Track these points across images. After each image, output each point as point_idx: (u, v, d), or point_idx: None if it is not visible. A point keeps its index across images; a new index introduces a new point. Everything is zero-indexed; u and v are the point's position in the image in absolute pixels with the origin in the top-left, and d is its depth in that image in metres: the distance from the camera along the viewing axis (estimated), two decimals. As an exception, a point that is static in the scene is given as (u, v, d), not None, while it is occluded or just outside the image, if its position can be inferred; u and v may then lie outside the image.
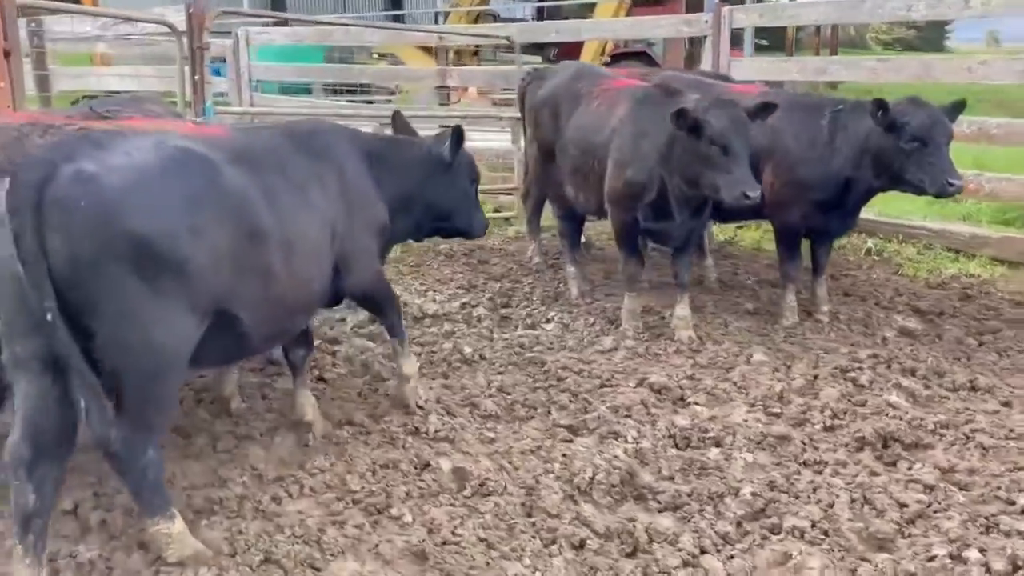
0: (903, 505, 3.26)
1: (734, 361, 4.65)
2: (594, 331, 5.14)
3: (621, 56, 15.05)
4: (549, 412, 4.10)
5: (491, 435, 3.85)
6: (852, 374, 4.41)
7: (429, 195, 4.11)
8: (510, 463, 3.61)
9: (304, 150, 3.49)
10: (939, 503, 3.26)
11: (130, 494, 2.86)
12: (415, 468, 3.53)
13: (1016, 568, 2.83)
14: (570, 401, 4.18)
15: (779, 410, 4.06)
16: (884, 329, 5.06)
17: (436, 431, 3.82)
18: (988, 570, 2.84)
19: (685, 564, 2.94)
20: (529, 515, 3.23)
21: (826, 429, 3.90)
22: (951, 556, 2.91)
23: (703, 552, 3.02)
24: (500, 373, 4.54)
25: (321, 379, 4.38)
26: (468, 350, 4.83)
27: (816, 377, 4.39)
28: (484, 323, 5.33)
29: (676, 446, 3.79)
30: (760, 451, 3.70)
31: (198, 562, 2.80)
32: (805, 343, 4.90)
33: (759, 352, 4.71)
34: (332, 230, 3.46)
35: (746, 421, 3.95)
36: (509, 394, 4.25)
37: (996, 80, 6.52)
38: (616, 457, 3.61)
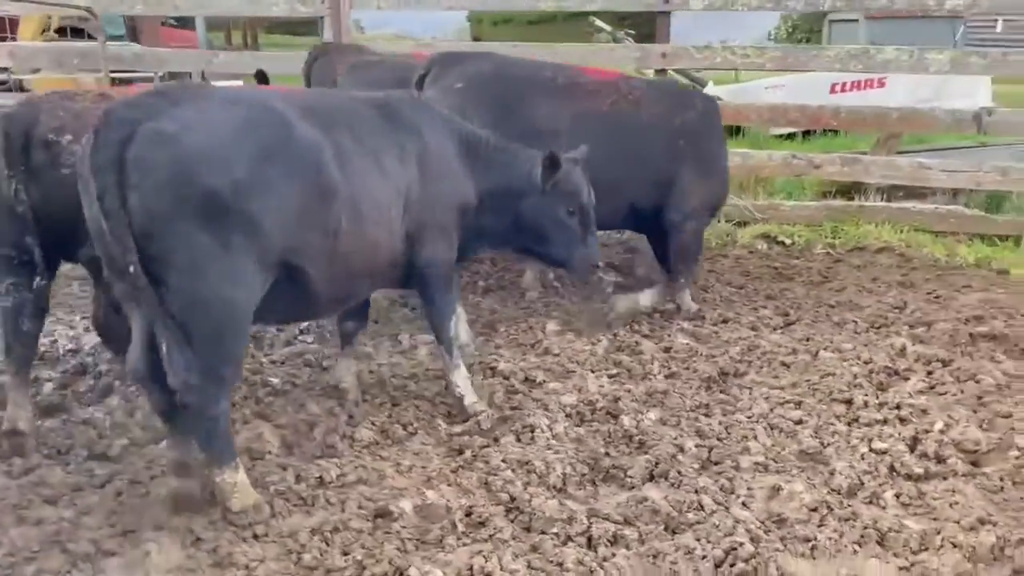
0: (798, 422, 3.75)
1: (536, 336, 4.73)
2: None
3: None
4: (432, 425, 3.73)
5: (404, 462, 3.38)
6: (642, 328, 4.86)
7: (520, 212, 3.95)
8: (458, 484, 3.24)
9: (388, 118, 3.44)
10: (811, 413, 3.82)
11: (198, 444, 2.96)
12: (374, 521, 2.98)
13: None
14: (434, 406, 3.90)
15: (621, 371, 4.29)
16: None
17: (341, 475, 3.24)
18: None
19: (721, 506, 3.06)
20: (543, 530, 2.96)
21: (668, 376, 4.24)
22: (870, 449, 3.48)
23: (729, 496, 3.15)
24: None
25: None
26: (275, 380, 4.11)
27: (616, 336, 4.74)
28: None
29: (584, 422, 3.77)
30: (652, 409, 3.87)
31: (259, 513, 2.95)
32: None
33: (552, 323, 4.87)
34: (405, 199, 3.40)
35: (609, 387, 4.07)
36: (373, 416, 3.76)
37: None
38: (563, 446, 3.47)
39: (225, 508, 2.94)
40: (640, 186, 4.77)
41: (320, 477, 3.23)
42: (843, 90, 11.57)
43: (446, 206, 3.62)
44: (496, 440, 3.57)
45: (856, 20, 27.21)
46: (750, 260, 6.29)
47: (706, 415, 3.83)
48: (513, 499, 3.12)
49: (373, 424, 3.71)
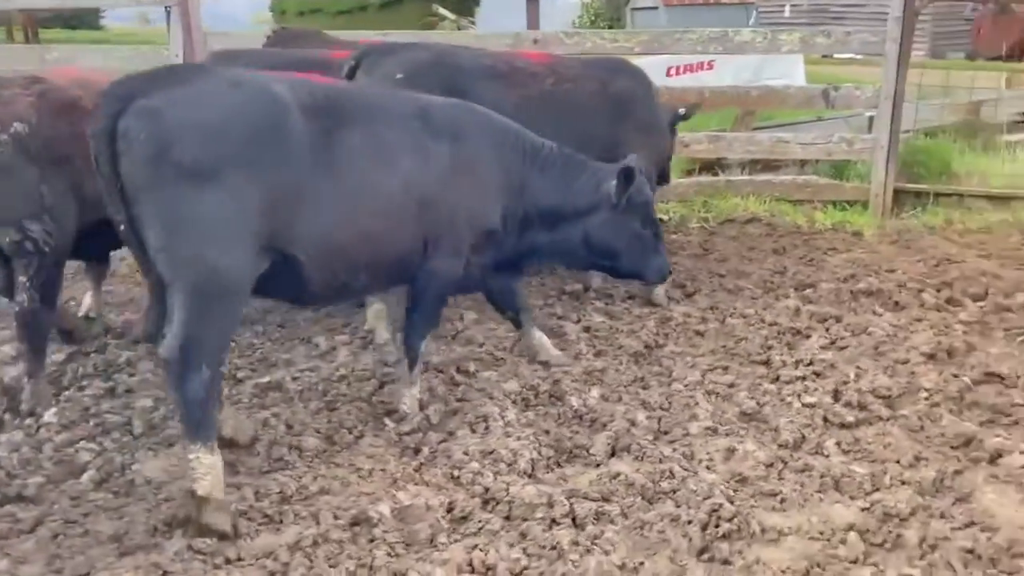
0: (730, 386, 3.94)
1: (456, 327, 4.69)
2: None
3: None
4: (378, 426, 3.63)
5: (363, 466, 3.27)
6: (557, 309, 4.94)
7: (590, 228, 3.84)
8: (426, 482, 3.18)
9: (424, 121, 3.40)
10: (740, 376, 4.03)
11: (177, 412, 2.98)
12: (352, 530, 2.87)
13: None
14: (372, 406, 3.79)
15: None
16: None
17: (302, 487, 3.11)
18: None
19: (690, 472, 3.15)
20: (526, 517, 2.95)
21: (597, 355, 4.34)
22: (802, 404, 3.73)
23: (693, 462, 3.27)
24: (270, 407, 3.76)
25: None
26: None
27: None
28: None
29: (531, 407, 3.78)
30: (593, 387, 3.94)
31: (220, 507, 2.84)
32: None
33: (470, 312, 4.84)
34: (418, 202, 3.33)
35: (544, 370, 4.11)
36: (314, 424, 3.61)
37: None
38: (520, 432, 3.47)
39: (190, 491, 2.83)
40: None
41: (281, 492, 3.07)
42: (678, 73, 12.18)
43: (465, 219, 3.51)
44: (451, 434, 3.52)
45: (656, 8, 28.66)
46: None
47: (644, 388, 3.94)
48: (487, 490, 3.09)
49: (317, 431, 3.55)
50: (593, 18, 31.00)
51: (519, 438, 3.43)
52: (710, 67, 12.38)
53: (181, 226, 2.78)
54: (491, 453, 3.32)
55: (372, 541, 2.81)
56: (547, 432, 3.53)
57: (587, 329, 4.64)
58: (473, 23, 12.28)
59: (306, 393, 3.92)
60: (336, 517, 2.92)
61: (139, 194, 2.77)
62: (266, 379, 4.05)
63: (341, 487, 3.13)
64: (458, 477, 3.20)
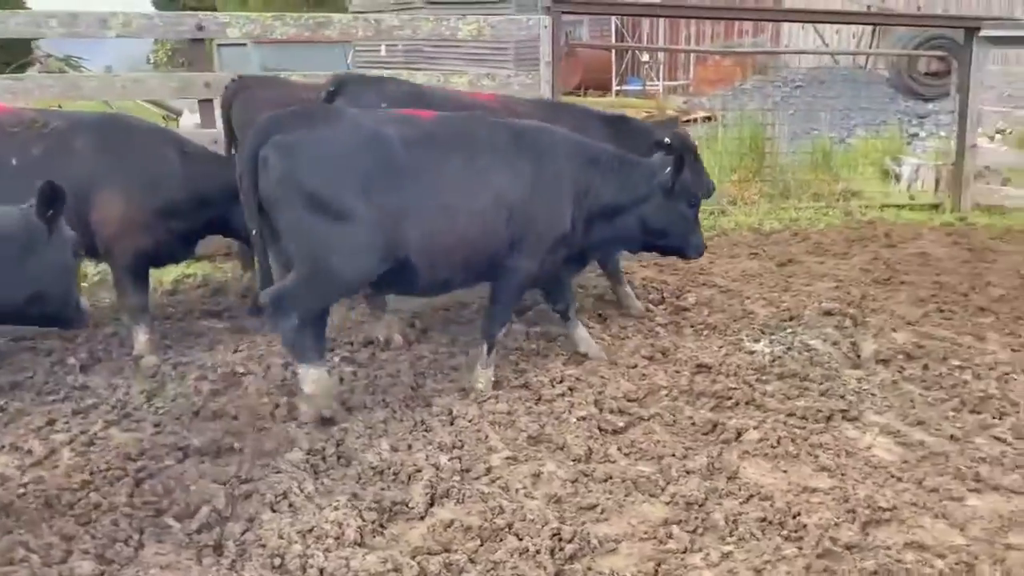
0: (508, 412, 4.10)
1: (197, 402, 4.26)
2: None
3: None
4: (160, 529, 3.18)
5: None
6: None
7: (646, 215, 4.48)
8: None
9: (516, 144, 4.12)
10: (507, 402, 4.23)
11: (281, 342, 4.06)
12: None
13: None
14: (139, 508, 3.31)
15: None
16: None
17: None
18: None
19: (517, 504, 3.23)
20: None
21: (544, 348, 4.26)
22: (576, 418, 4.03)
23: (521, 491, 3.39)
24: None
25: None
26: None
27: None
28: None
29: (322, 473, 3.58)
30: (380, 439, 3.83)
31: (325, 402, 3.94)
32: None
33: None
34: (509, 211, 4.02)
35: (315, 434, 3.93)
36: (79, 545, 3.06)
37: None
38: (334, 501, 3.28)
39: (298, 390, 3.94)
40: None
41: None
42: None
43: (544, 232, 4.16)
44: (252, 520, 3.20)
45: (246, 44, 28.19)
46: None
47: (429, 430, 3.94)
48: (323, 571, 2.89)
49: (85, 552, 2.98)
50: (170, 54, 29.43)
51: (334, 507, 3.24)
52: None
53: (307, 237, 3.71)
54: (311, 531, 3.10)
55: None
56: (356, 495, 3.38)
57: (345, 379, 4.50)
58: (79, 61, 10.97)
59: (46, 511, 3.27)
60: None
61: (274, 210, 3.69)
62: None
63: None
64: (284, 565, 2.94)
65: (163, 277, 6.11)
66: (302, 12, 6.77)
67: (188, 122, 10.46)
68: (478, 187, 3.95)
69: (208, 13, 6.37)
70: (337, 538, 3.06)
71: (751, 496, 3.37)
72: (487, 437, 3.84)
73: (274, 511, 3.26)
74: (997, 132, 10.75)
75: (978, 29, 8.30)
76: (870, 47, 18.48)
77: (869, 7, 17.87)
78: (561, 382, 4.41)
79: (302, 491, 3.37)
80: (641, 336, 5.11)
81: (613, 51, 23.18)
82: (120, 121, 4.98)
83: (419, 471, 3.52)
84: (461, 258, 3.99)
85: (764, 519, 3.20)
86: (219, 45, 27.74)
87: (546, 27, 6.89)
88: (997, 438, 3.91)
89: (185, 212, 4.75)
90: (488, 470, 3.58)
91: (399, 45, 29.84)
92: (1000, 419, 4.09)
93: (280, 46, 27.74)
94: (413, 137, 3.83)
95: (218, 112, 5.92)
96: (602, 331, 5.19)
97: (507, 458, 3.66)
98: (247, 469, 3.55)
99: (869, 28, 18.23)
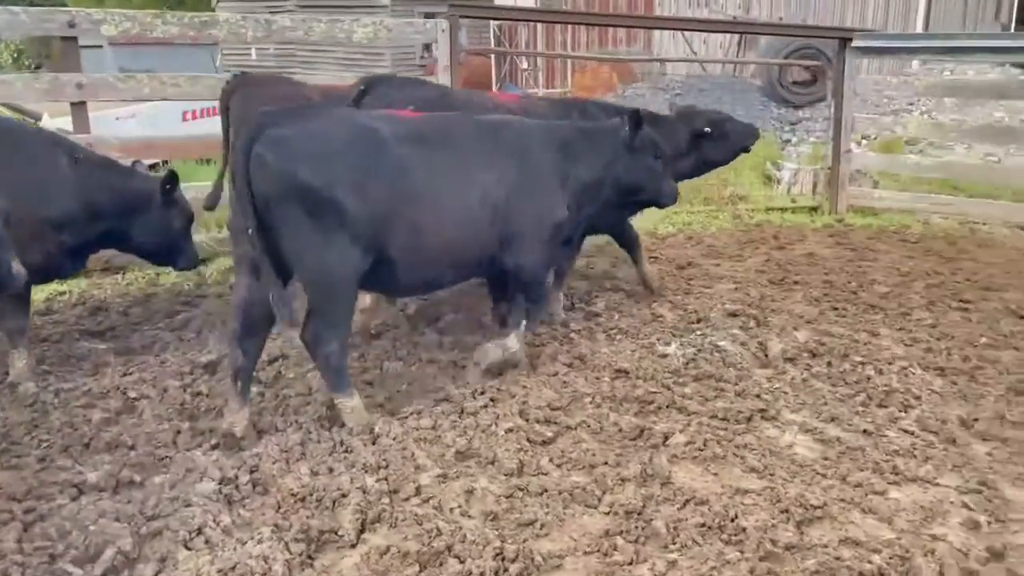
0: (433, 427, 3.94)
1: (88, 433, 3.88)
2: None
3: None
4: None
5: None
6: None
7: (617, 175, 4.68)
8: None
9: (489, 139, 4.17)
10: (431, 416, 4.07)
11: (320, 374, 3.95)
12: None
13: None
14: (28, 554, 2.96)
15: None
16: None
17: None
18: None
19: (455, 525, 3.08)
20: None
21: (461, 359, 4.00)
22: (487, 422, 3.92)
23: (452, 513, 3.23)
24: None
25: None
26: None
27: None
28: None
29: (238, 504, 3.32)
30: (298, 463, 3.60)
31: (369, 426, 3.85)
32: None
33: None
34: (494, 209, 4.08)
35: (223, 460, 3.66)
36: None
37: None
38: (254, 535, 3.04)
39: (342, 423, 3.87)
40: None
41: None
42: (194, 117, 11.57)
43: (538, 221, 4.27)
44: (164, 560, 2.92)
45: (101, 47, 26.77)
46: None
47: (350, 451, 3.71)
48: None
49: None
50: (15, 55, 27.70)
51: (257, 540, 3.00)
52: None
53: (304, 235, 3.59)
54: (233, 568, 2.85)
55: None
56: (278, 526, 3.14)
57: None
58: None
59: None
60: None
61: (269, 207, 3.56)
62: None
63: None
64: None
65: (33, 295, 5.58)
66: (162, 11, 6.30)
67: (48, 127, 9.72)
68: (467, 183, 4.00)
69: (81, 9, 5.86)
70: (264, 574, 2.83)
71: (687, 501, 3.35)
72: (413, 455, 3.66)
73: (189, 549, 2.99)
74: (863, 138, 11.40)
75: (850, 40, 8.74)
76: (736, 56, 19.30)
77: (735, 17, 18.66)
78: (483, 393, 4.28)
79: (218, 525, 3.11)
80: (557, 342, 5.05)
81: (493, 58, 23.33)
82: (3, 125, 4.53)
83: (345, 495, 3.32)
84: (448, 256, 4.05)
85: (704, 524, 3.18)
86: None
87: (444, 31, 6.76)
88: (905, 431, 4.06)
89: (77, 224, 4.35)
90: (418, 490, 3.41)
91: (270, 48, 29.01)
92: (905, 412, 4.26)
93: (138, 49, 26.40)
94: (401, 136, 3.83)
95: (96, 115, 5.48)
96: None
97: (437, 476, 3.50)
98: (153, 504, 3.25)
99: (736, 38, 19.03)
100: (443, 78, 6.81)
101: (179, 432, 3.86)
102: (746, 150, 6.18)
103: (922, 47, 9.17)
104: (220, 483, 3.41)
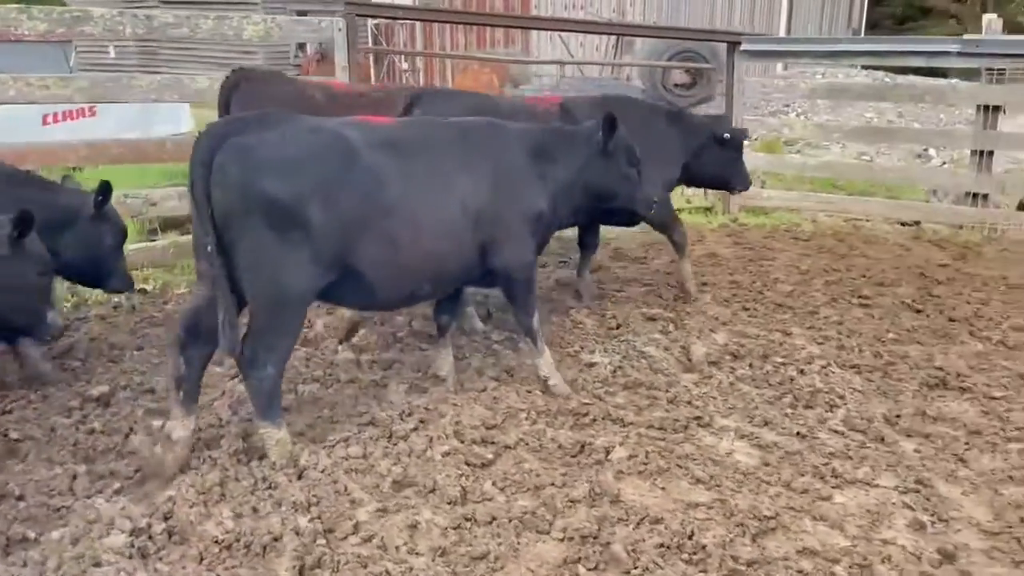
0: (363, 456, 3.67)
1: None
2: None
3: None
4: None
5: None
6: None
7: (589, 180, 4.47)
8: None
9: (463, 143, 3.98)
10: (360, 444, 3.80)
11: (249, 398, 3.58)
12: None
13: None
14: None
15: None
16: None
17: None
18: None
19: (405, 566, 2.86)
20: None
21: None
22: (420, 447, 3.70)
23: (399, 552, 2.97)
24: None
25: None
26: None
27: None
28: None
29: (153, 556, 2.97)
30: (218, 505, 3.27)
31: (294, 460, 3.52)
32: None
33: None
34: (476, 216, 3.91)
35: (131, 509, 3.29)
36: None
37: None
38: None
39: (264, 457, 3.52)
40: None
41: None
42: (55, 121, 10.68)
43: (522, 221, 4.13)
44: None
45: None
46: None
47: (274, 488, 3.41)
48: None
49: None
50: None
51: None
52: (93, 114, 11.20)
53: (265, 251, 3.32)
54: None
55: None
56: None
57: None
58: None
59: None
60: None
61: (229, 221, 3.28)
62: None
63: None
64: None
65: None
66: (27, 5, 5.66)
67: None
68: (444, 189, 3.83)
69: (-71, 1, 5.23)
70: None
71: (641, 520, 3.24)
72: (346, 488, 3.39)
73: None
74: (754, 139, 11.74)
75: (739, 44, 8.95)
76: (614, 59, 19.65)
77: (611, 20, 18.98)
78: (411, 415, 4.04)
79: (132, 584, 2.76)
80: (480, 355, 4.86)
81: (371, 58, 22.89)
82: None
83: (277, 539, 3.02)
84: (425, 268, 3.85)
85: (663, 544, 3.07)
86: None
87: (340, 30, 6.43)
88: (836, 431, 4.11)
89: None
90: (356, 527, 3.15)
91: (131, 46, 27.42)
92: (832, 412, 4.31)
93: (-21, 45, 24.42)
94: (372, 143, 3.62)
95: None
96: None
97: (376, 510, 3.25)
98: (55, 566, 2.85)
99: (612, 41, 19.38)
100: (341, 78, 6.49)
101: (75, 477, 3.43)
102: (729, 189, 6.55)
103: (805, 51, 9.49)
104: (131, 534, 3.04)
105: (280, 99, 4.87)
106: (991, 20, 8.28)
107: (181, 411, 3.52)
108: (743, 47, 8.93)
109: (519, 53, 23.05)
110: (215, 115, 5.14)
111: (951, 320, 5.74)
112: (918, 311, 5.95)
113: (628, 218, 5.54)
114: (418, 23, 22.34)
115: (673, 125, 5.90)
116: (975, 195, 8.43)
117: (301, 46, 26.07)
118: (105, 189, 4.33)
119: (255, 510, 3.24)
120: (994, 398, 4.50)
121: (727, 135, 5.98)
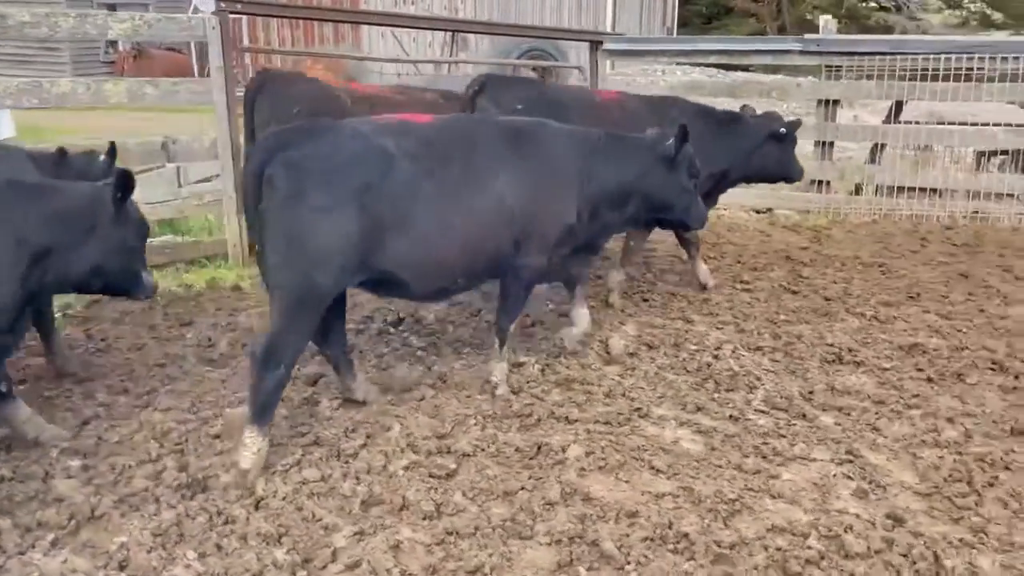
0: (323, 478, 3.50)
1: None
2: None
3: None
4: None
5: None
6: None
7: (647, 190, 4.59)
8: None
9: (509, 145, 4.07)
10: (317, 467, 3.63)
11: (249, 399, 3.52)
12: None
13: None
14: None
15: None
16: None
17: None
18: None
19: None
20: None
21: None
22: (380, 463, 3.59)
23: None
24: None
25: None
26: None
27: None
28: None
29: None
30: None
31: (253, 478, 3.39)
32: None
33: None
34: (511, 214, 4.00)
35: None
36: None
37: None
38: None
39: (233, 461, 3.43)
40: None
41: None
42: None
43: (551, 226, 4.20)
44: None
45: None
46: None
47: (231, 523, 3.19)
48: None
49: None
50: None
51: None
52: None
53: (304, 260, 3.46)
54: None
55: None
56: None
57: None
58: None
59: None
60: None
61: (274, 228, 3.48)
62: None
63: None
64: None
65: None
66: None
67: None
68: (481, 192, 3.91)
69: None
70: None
71: (619, 515, 3.29)
72: (314, 514, 3.22)
73: None
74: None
75: (601, 43, 9.23)
76: (450, 56, 19.71)
77: (449, 18, 19.00)
78: (355, 431, 3.90)
79: None
80: (406, 364, 4.75)
81: (194, 54, 21.75)
82: None
83: (244, 573, 2.82)
84: (459, 267, 3.96)
85: (648, 537, 3.14)
86: None
87: (214, 28, 6.06)
88: (761, 411, 4.35)
89: None
90: (335, 554, 3.00)
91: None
92: (753, 392, 4.56)
93: None
94: (408, 148, 3.71)
95: None
96: (361, 363, 4.71)
97: (353, 534, 3.11)
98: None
99: (449, 37, 19.44)
100: (217, 79, 6.12)
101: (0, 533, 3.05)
102: (788, 180, 6.60)
103: (663, 50, 9.92)
104: (92, 568, 2.74)
105: (304, 99, 4.99)
106: (827, 20, 9.02)
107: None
108: (605, 46, 9.22)
109: (350, 49, 22.65)
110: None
111: (826, 299, 6.21)
112: (794, 292, 6.40)
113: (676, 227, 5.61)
114: (244, 18, 21.45)
115: (724, 124, 6.11)
116: (820, 182, 9.16)
117: (112, 43, 24.34)
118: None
119: (219, 547, 3.01)
120: (885, 369, 4.92)
121: (783, 130, 6.14)
